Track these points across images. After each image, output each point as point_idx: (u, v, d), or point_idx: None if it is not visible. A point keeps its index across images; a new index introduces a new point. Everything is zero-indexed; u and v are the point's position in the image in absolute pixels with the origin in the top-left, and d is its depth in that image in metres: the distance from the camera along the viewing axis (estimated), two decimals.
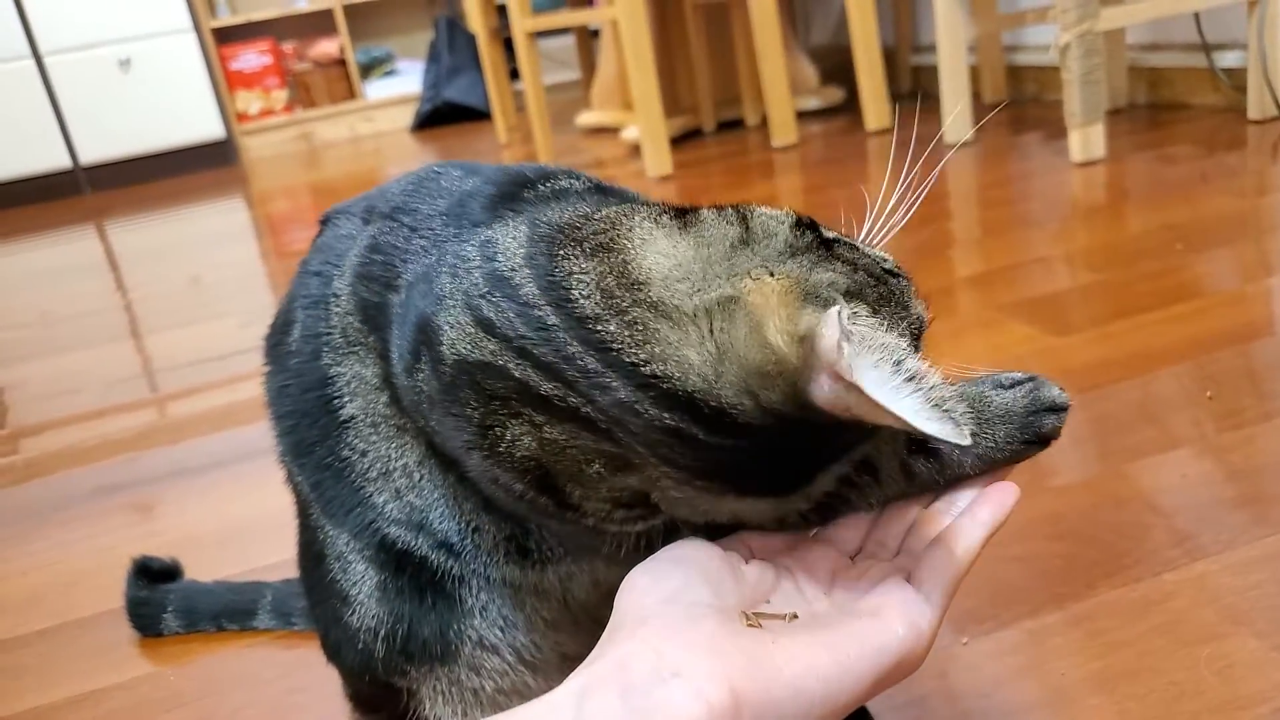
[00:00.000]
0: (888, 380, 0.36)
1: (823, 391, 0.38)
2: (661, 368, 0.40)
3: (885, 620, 0.41)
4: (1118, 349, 1.07)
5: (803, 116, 2.89)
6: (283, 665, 0.79)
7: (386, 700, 0.55)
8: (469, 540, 0.52)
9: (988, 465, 0.49)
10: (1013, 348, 1.12)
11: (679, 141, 2.92)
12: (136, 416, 1.45)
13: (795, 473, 0.43)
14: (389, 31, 4.78)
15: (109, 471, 1.24)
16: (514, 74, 3.70)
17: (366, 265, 0.52)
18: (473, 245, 0.47)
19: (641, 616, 0.40)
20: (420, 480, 0.52)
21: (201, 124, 4.25)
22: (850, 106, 2.71)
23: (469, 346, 0.43)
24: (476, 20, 3.16)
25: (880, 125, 2.46)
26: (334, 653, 0.57)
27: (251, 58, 4.41)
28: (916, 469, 0.49)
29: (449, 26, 4.40)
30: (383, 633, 0.53)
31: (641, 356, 0.40)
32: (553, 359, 0.41)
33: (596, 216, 0.45)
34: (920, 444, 0.49)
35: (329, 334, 0.53)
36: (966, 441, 0.35)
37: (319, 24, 4.58)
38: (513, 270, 0.43)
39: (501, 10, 3.34)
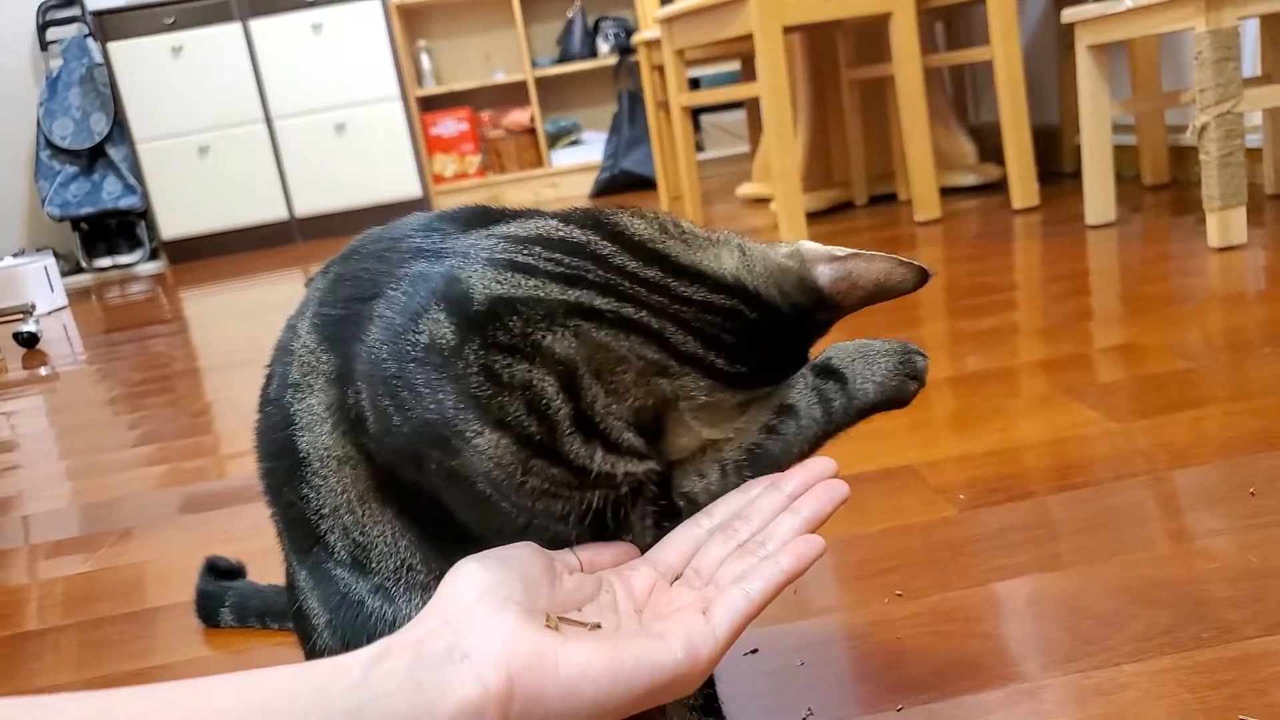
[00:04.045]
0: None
1: (825, 276, 0.55)
2: (714, 266, 0.53)
3: (668, 642, 0.44)
4: (1154, 440, 1.01)
5: (957, 192, 2.86)
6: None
7: None
8: (401, 580, 0.55)
9: (882, 394, 0.58)
10: (1068, 429, 1.08)
11: (828, 214, 2.95)
12: None
13: (786, 366, 0.56)
14: (577, 104, 5.08)
15: None
16: (699, 146, 3.84)
17: (331, 291, 0.57)
18: (476, 236, 0.53)
19: (455, 601, 0.45)
20: (363, 516, 0.55)
21: (402, 184, 4.65)
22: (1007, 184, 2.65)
23: (506, 287, 0.49)
24: (648, 94, 3.33)
25: (1026, 204, 2.40)
26: None
27: (450, 124, 4.79)
28: (828, 394, 0.57)
29: (631, 100, 4.62)
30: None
31: (696, 258, 0.53)
32: (610, 278, 0.50)
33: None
34: (829, 371, 0.58)
35: (290, 372, 0.57)
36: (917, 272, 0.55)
37: (514, 95, 4.92)
38: (552, 228, 0.53)
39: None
